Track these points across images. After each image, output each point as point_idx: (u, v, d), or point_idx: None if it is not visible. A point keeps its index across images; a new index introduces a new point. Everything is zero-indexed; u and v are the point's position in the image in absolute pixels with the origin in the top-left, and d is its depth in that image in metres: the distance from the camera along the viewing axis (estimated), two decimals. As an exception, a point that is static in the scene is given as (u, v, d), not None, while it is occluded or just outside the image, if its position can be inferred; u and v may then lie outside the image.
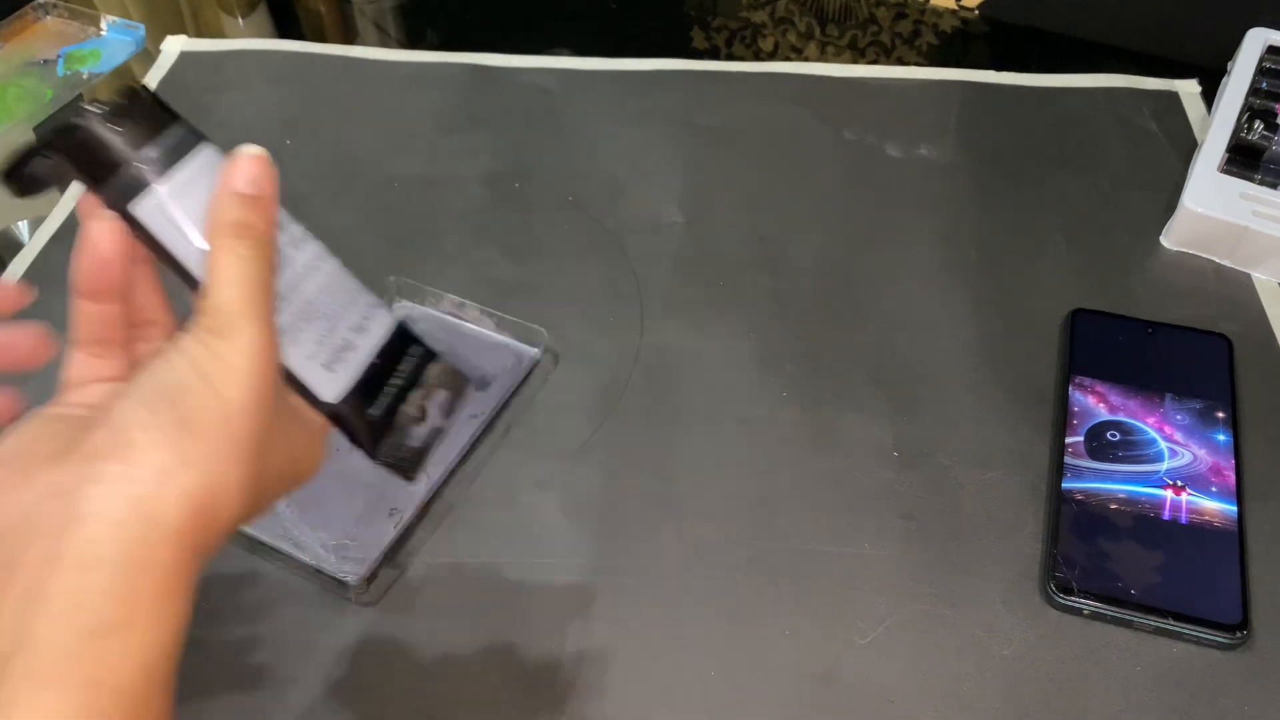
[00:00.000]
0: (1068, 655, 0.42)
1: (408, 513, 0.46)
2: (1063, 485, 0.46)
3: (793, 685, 0.41)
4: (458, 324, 0.55)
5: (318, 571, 0.45)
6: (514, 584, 0.44)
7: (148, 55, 0.75)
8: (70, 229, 0.61)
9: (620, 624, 0.43)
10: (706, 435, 0.49)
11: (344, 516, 0.46)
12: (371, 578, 0.45)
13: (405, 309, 0.55)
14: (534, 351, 0.53)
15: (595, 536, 0.46)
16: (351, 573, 0.44)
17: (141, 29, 0.76)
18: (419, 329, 0.53)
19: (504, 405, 0.51)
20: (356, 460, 0.48)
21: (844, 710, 0.40)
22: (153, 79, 0.71)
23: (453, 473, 0.48)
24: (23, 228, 0.62)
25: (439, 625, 0.43)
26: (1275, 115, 0.59)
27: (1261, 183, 0.57)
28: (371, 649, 0.43)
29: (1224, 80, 0.64)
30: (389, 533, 0.46)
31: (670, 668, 0.42)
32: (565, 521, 0.46)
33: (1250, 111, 0.60)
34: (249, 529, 0.46)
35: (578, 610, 0.44)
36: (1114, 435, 0.48)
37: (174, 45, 0.74)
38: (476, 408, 0.50)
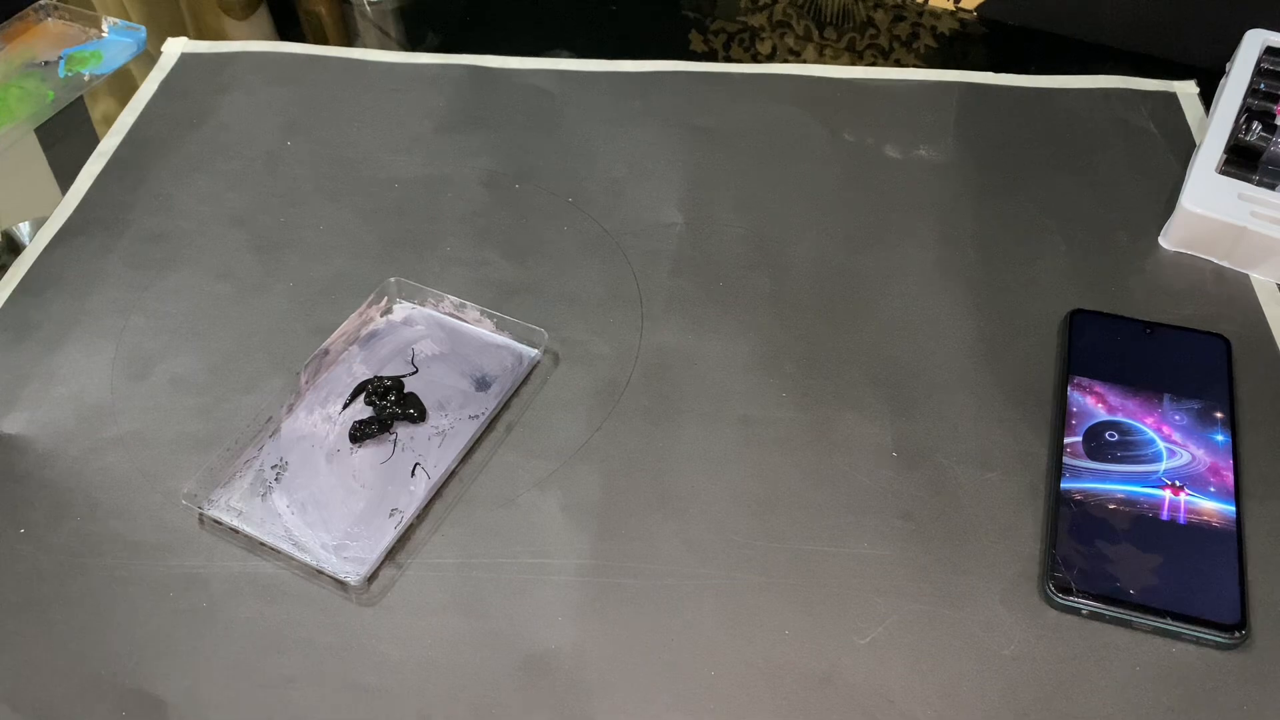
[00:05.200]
0: (1067, 655, 0.42)
1: (408, 513, 0.46)
2: (1061, 485, 0.46)
3: (792, 684, 0.41)
4: (458, 325, 0.55)
5: (318, 572, 0.45)
6: (514, 583, 0.45)
7: (149, 57, 0.75)
8: (72, 230, 0.61)
9: (620, 623, 0.43)
10: (706, 435, 0.50)
11: (344, 517, 0.46)
12: (372, 578, 0.45)
13: (406, 310, 0.55)
14: (534, 352, 0.53)
15: (595, 536, 0.46)
16: (353, 573, 0.44)
17: (143, 31, 0.76)
18: (419, 330, 0.54)
19: (504, 405, 0.51)
20: (357, 461, 0.49)
21: (843, 710, 0.40)
22: (154, 81, 0.72)
23: (453, 473, 0.48)
24: (24, 229, 0.62)
25: (439, 625, 0.43)
26: (1273, 116, 0.59)
27: (1260, 183, 0.57)
28: (372, 648, 0.43)
29: (1222, 81, 0.64)
30: (389, 532, 0.46)
31: (670, 667, 0.42)
32: (565, 521, 0.47)
33: (1248, 112, 0.60)
34: (250, 529, 0.46)
35: (577, 609, 0.44)
36: (1112, 435, 0.48)
37: (175, 47, 0.74)
38: (477, 408, 0.51)
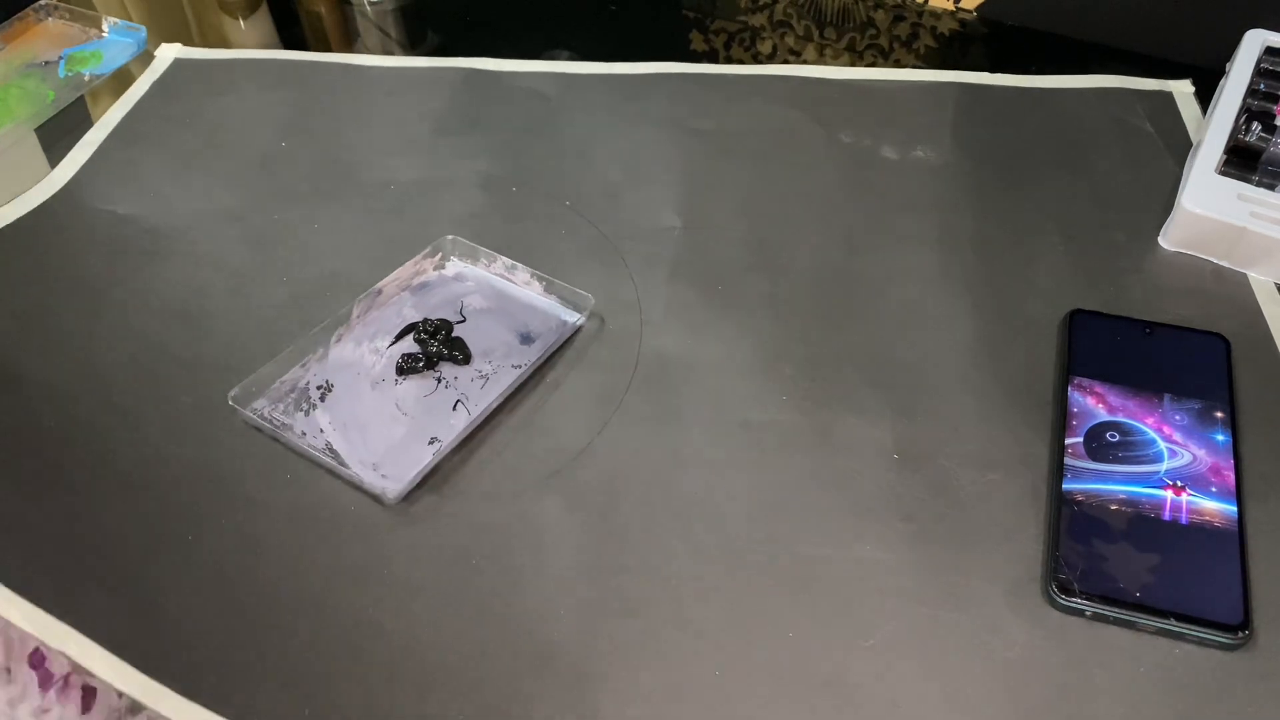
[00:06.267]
0: (1070, 657, 0.42)
1: (447, 441, 0.48)
2: (1063, 486, 0.46)
3: (796, 686, 0.41)
4: (507, 286, 0.56)
5: (357, 488, 0.47)
6: (516, 584, 0.44)
7: (149, 57, 0.75)
8: (50, 215, 0.61)
9: (621, 626, 0.43)
10: (707, 439, 0.49)
11: (384, 440, 0.48)
12: (409, 500, 0.47)
13: (458, 268, 0.57)
14: (578, 316, 0.54)
15: (597, 539, 0.46)
16: (390, 489, 0.46)
17: (143, 31, 0.76)
18: (469, 285, 0.56)
19: (544, 359, 0.52)
20: (400, 391, 0.50)
21: (848, 711, 0.40)
22: (145, 83, 0.71)
23: (493, 414, 0.50)
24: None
25: (438, 624, 0.43)
26: (1273, 117, 0.59)
27: (1259, 184, 0.57)
28: (373, 649, 0.43)
29: (1222, 81, 0.64)
30: (427, 457, 0.48)
31: (673, 669, 0.42)
32: (567, 523, 0.46)
33: (1248, 113, 0.60)
34: (294, 442, 0.48)
35: (579, 611, 0.44)
36: (1113, 436, 0.48)
37: (168, 53, 0.74)
38: (520, 358, 0.52)
